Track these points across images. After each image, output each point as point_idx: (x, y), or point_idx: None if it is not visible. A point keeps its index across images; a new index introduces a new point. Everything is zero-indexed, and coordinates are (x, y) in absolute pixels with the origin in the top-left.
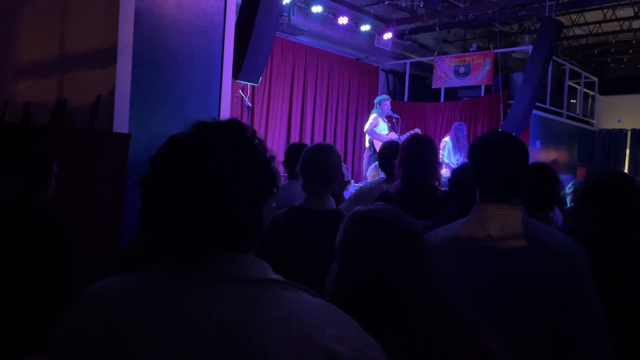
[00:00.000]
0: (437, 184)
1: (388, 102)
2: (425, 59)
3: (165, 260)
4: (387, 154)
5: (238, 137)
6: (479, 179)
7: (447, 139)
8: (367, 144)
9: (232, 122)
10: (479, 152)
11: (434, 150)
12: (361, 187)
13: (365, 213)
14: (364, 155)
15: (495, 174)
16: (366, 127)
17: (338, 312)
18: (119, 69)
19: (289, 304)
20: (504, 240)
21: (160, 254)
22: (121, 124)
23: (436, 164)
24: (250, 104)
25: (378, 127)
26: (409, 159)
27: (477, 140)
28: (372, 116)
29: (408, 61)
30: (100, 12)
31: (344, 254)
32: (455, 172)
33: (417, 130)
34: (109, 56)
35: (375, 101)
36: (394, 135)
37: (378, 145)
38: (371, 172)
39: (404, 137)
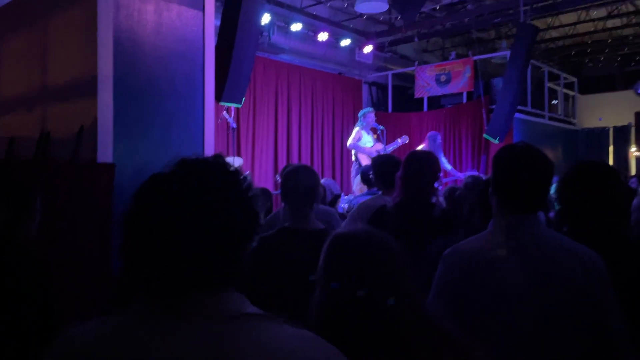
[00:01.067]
0: (435, 200)
1: (372, 115)
2: (406, 70)
3: (144, 298)
4: (383, 168)
5: (220, 176)
6: (501, 189)
7: (420, 148)
8: (353, 158)
9: (215, 160)
10: (504, 163)
11: (434, 165)
12: (361, 203)
13: (344, 237)
14: (352, 169)
15: (519, 184)
16: (349, 142)
17: (317, 340)
18: (100, 99)
19: (266, 338)
20: (528, 250)
21: (139, 292)
22: (105, 154)
23: (435, 180)
24: (235, 125)
25: (362, 140)
26: (409, 174)
27: (501, 152)
28: (355, 130)
29: (390, 73)
30: (79, 44)
31: (324, 278)
32: (474, 186)
33: (405, 139)
34: (89, 87)
35: (360, 114)
36: (379, 147)
37: (362, 159)
38: (357, 186)
39: (390, 147)
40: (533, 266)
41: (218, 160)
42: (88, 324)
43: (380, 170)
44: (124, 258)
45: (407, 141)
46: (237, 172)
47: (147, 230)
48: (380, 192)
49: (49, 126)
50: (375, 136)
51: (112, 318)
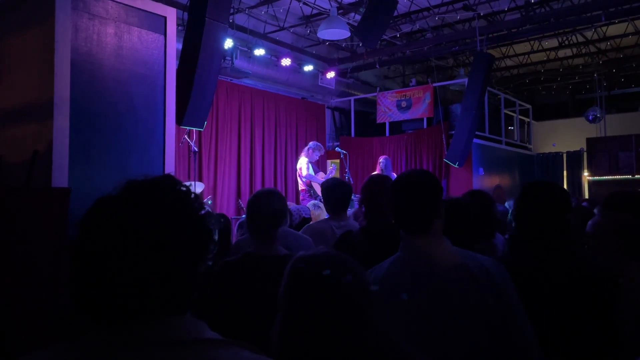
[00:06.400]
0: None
1: (319, 155)
2: (368, 95)
3: (95, 328)
4: (330, 192)
5: (169, 196)
6: (396, 215)
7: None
8: (301, 187)
9: (164, 179)
10: (392, 191)
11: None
12: (306, 226)
13: (305, 260)
14: (303, 197)
15: (409, 209)
16: (305, 173)
17: None
18: (56, 122)
19: None
20: (430, 270)
21: (91, 322)
22: (60, 178)
23: None
24: (196, 149)
25: (310, 171)
26: (369, 198)
27: (392, 181)
28: (305, 161)
29: (352, 98)
30: (35, 66)
31: (285, 302)
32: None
33: (333, 169)
34: (45, 110)
35: (311, 146)
36: (323, 175)
37: (317, 188)
38: (313, 211)
39: (327, 175)
40: (422, 290)
41: (167, 180)
42: (40, 355)
43: (326, 195)
44: (73, 286)
45: (334, 172)
46: (188, 191)
47: (94, 257)
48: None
49: (2, 150)
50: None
51: (65, 348)
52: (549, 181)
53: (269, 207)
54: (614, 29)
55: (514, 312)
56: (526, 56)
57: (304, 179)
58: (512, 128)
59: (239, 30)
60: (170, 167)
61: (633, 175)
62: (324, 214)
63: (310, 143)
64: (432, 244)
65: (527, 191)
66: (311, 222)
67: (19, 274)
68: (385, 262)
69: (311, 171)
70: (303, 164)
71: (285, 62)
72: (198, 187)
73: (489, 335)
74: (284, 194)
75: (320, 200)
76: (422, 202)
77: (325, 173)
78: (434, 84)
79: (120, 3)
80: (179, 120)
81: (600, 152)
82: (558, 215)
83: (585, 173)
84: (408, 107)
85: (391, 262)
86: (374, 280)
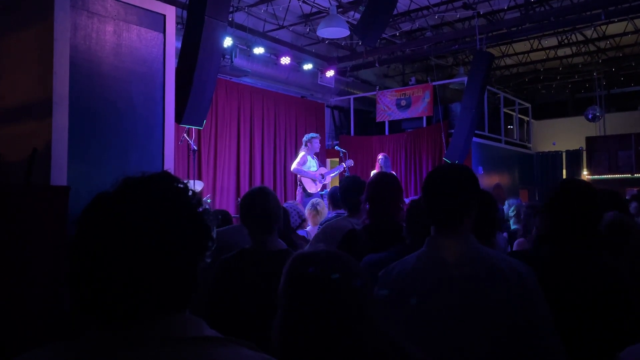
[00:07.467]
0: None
1: (317, 141)
2: (368, 94)
3: (94, 327)
4: (350, 190)
5: (167, 192)
6: (427, 211)
7: (374, 172)
8: (298, 183)
9: (162, 176)
10: (426, 186)
11: (398, 188)
12: (327, 224)
13: (304, 258)
14: (297, 193)
15: (440, 205)
16: (293, 166)
17: None
18: (55, 120)
19: None
20: (457, 268)
21: (91, 319)
22: (59, 177)
23: (400, 202)
24: (195, 148)
25: (306, 165)
26: (374, 197)
27: (427, 175)
28: (300, 154)
29: (352, 97)
30: (34, 64)
31: (285, 301)
32: (409, 206)
33: (350, 162)
34: (44, 108)
35: (305, 139)
36: (323, 170)
37: (306, 183)
38: (308, 212)
39: (334, 170)
40: (448, 287)
41: (165, 177)
42: (39, 353)
43: (346, 193)
44: (72, 285)
45: (352, 164)
46: (185, 188)
47: (91, 255)
48: (345, 214)
49: (1, 149)
50: (319, 162)
51: (65, 347)
52: (583, 181)
53: (262, 204)
54: (613, 28)
55: (543, 315)
56: (526, 55)
57: (292, 171)
58: (511, 127)
59: (238, 28)
60: (169, 166)
61: (632, 174)
62: (320, 216)
63: (305, 136)
64: (461, 241)
65: (566, 192)
66: (331, 221)
67: (19, 273)
68: (410, 256)
69: (310, 164)
70: (298, 157)
71: (285, 60)
72: (197, 186)
73: (515, 337)
74: (283, 194)
75: (321, 197)
76: (452, 198)
77: (326, 170)
78: (434, 83)
79: (119, 1)
80: (178, 119)
81: (599, 151)
82: (598, 214)
83: (585, 172)
84: (407, 106)
85: (416, 259)
86: (398, 275)
